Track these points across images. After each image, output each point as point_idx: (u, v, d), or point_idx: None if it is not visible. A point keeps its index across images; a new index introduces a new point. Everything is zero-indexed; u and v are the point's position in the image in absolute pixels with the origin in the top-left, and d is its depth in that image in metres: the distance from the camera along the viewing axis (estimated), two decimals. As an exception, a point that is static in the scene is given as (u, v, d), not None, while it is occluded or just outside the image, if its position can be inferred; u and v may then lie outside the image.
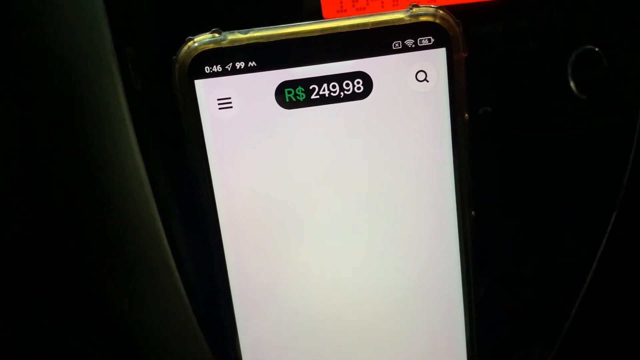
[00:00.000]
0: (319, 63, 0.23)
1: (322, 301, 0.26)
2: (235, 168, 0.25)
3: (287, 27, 0.23)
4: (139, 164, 0.27)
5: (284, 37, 0.23)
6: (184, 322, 0.29)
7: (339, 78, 0.24)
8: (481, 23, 0.32)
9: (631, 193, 0.30)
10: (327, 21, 0.23)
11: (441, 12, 0.24)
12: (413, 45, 0.24)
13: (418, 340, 0.27)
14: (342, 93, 0.24)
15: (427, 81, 0.24)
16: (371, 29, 0.23)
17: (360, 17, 0.23)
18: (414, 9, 0.23)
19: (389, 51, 0.23)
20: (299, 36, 0.23)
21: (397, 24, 0.23)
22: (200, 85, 0.23)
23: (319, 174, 0.25)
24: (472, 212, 0.26)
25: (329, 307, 0.27)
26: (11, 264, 0.29)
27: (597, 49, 0.32)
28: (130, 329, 0.30)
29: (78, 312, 0.31)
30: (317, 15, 0.30)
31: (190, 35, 0.23)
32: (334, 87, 0.24)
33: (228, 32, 0.23)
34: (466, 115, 0.24)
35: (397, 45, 0.23)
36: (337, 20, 0.23)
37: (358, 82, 0.24)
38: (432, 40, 0.24)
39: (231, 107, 0.24)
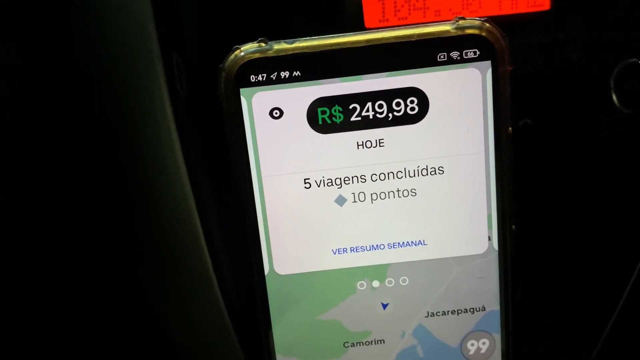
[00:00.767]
0: (365, 73, 0.23)
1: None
2: (277, 175, 0.25)
3: (333, 37, 0.23)
4: (181, 169, 0.27)
5: (329, 48, 0.23)
6: (216, 318, 0.29)
7: (388, 95, 0.24)
8: (523, 35, 0.31)
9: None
10: (372, 32, 0.23)
11: (487, 25, 0.23)
12: (458, 58, 0.23)
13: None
14: (390, 114, 0.24)
15: (474, 96, 0.24)
16: (417, 41, 0.23)
17: (405, 28, 0.23)
18: (460, 22, 0.23)
19: (434, 63, 0.23)
20: (345, 46, 0.23)
21: (443, 36, 0.23)
22: (245, 93, 0.24)
23: (360, 189, 0.25)
24: (513, 227, 0.25)
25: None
26: (57, 263, 0.30)
27: (641, 62, 0.31)
28: (164, 322, 0.31)
29: (118, 309, 0.32)
30: (360, 25, 0.30)
31: (236, 44, 0.23)
32: (380, 106, 0.24)
33: (274, 41, 0.23)
34: (510, 128, 0.24)
35: (442, 57, 0.23)
36: (383, 31, 0.23)
37: (412, 102, 0.24)
38: (478, 53, 0.23)
39: (275, 116, 0.24)
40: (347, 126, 0.24)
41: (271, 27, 0.30)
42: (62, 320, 0.31)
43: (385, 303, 0.27)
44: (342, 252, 0.26)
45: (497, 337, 0.27)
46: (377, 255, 0.26)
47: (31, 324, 0.30)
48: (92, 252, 0.31)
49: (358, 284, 0.26)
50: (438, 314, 0.27)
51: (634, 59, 0.32)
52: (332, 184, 0.25)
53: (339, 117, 0.24)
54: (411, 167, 0.25)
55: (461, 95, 0.24)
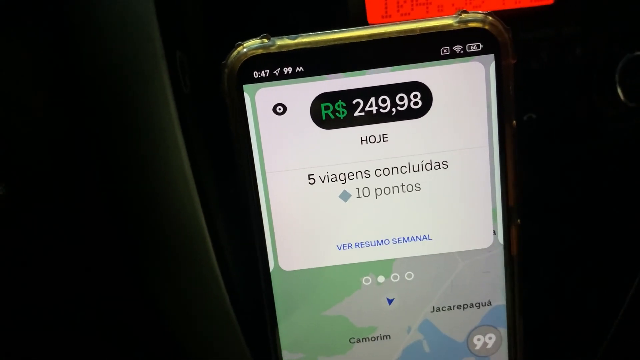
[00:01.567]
0: (368, 68, 0.23)
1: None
2: (281, 171, 0.25)
3: (336, 32, 0.23)
4: (185, 166, 0.27)
5: (332, 43, 0.23)
6: (222, 315, 0.29)
7: (392, 90, 0.24)
8: (527, 29, 0.31)
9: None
10: (375, 27, 0.23)
11: (490, 18, 0.23)
12: (461, 52, 0.23)
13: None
14: (394, 109, 0.24)
15: (478, 90, 0.24)
16: (420, 35, 0.23)
17: (408, 23, 0.23)
18: (463, 15, 0.23)
19: (438, 57, 0.23)
20: (348, 42, 0.23)
21: (446, 30, 0.23)
22: (249, 90, 0.24)
23: (364, 184, 0.25)
24: (518, 221, 0.25)
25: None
26: (63, 262, 0.30)
27: (646, 56, 0.31)
28: (170, 319, 0.31)
29: (123, 307, 0.32)
30: (362, 21, 0.30)
31: (239, 41, 0.23)
32: (384, 101, 0.24)
33: (277, 37, 0.23)
34: (514, 122, 0.24)
35: (445, 51, 0.23)
36: (386, 26, 0.23)
37: (415, 96, 0.24)
38: (481, 46, 0.23)
39: (279, 112, 0.24)
40: (351, 121, 0.24)
41: (274, 23, 0.30)
42: (69, 319, 0.32)
43: (390, 298, 0.27)
44: (347, 247, 0.26)
45: (504, 331, 0.27)
46: (382, 250, 0.26)
47: (37, 323, 0.31)
48: (97, 250, 0.31)
49: (363, 280, 0.26)
50: (444, 308, 0.27)
51: (639, 53, 0.31)
52: (336, 180, 0.25)
53: (343, 113, 0.24)
54: (415, 162, 0.25)
55: (465, 89, 0.24)
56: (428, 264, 0.26)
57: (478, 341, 0.27)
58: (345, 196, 0.25)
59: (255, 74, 0.23)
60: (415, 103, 0.24)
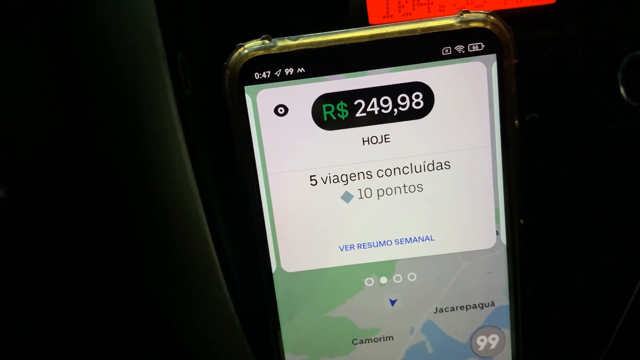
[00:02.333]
0: (369, 69, 0.23)
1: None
2: (283, 173, 0.25)
3: (337, 33, 0.23)
4: (187, 168, 0.27)
5: (333, 43, 0.23)
6: (225, 317, 0.29)
7: (393, 90, 0.24)
8: (529, 29, 0.31)
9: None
10: (376, 27, 0.23)
11: (492, 17, 0.23)
12: (463, 52, 0.23)
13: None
14: (396, 110, 0.24)
15: (480, 90, 0.24)
16: (421, 35, 0.23)
17: (409, 23, 0.23)
18: (465, 15, 0.23)
19: (439, 58, 0.23)
20: (349, 42, 0.23)
21: (447, 30, 0.23)
22: (250, 91, 0.24)
23: (366, 185, 0.25)
24: (521, 221, 0.25)
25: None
26: (64, 262, 0.30)
27: (649, 55, 0.31)
28: (172, 321, 0.31)
29: (125, 309, 0.32)
30: (364, 21, 0.30)
31: (240, 42, 0.23)
32: (385, 102, 0.24)
33: (278, 38, 0.23)
34: (516, 122, 0.24)
35: (446, 51, 0.23)
36: (387, 26, 0.23)
37: (417, 96, 0.24)
38: (483, 46, 0.23)
39: (280, 113, 0.24)
40: (353, 122, 0.24)
41: (275, 24, 0.30)
42: (70, 320, 0.32)
43: (393, 299, 0.27)
44: (349, 248, 0.26)
45: (507, 332, 0.27)
46: (384, 251, 0.26)
47: (39, 325, 0.31)
48: (99, 252, 0.31)
49: (366, 281, 0.26)
50: (447, 309, 0.27)
51: (642, 52, 0.31)
52: (338, 181, 0.25)
53: (344, 113, 0.24)
54: (417, 163, 0.25)
55: (467, 89, 0.24)
56: (431, 264, 0.26)
57: (481, 342, 0.27)
58: (347, 197, 0.25)
59: (257, 75, 0.23)
60: (417, 103, 0.24)
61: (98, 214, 0.30)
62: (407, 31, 0.23)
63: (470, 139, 0.24)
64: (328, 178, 0.25)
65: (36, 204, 0.29)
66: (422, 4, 0.30)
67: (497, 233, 0.26)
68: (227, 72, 0.23)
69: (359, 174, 0.25)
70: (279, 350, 0.27)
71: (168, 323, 0.31)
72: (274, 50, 0.23)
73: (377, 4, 0.30)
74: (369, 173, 0.25)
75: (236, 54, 0.23)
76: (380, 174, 0.25)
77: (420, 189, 0.25)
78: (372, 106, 0.24)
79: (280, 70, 0.23)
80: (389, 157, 0.25)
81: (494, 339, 0.27)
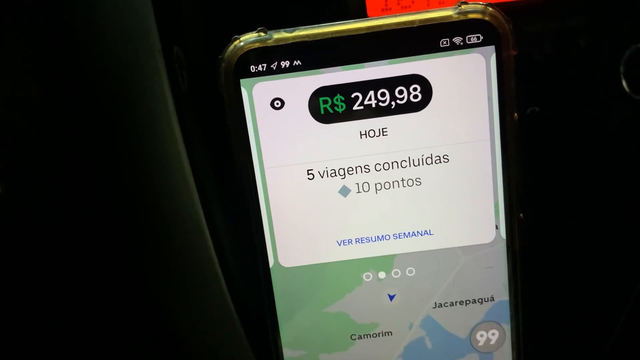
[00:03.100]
0: (366, 61, 0.23)
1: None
2: (280, 167, 0.25)
3: (333, 25, 0.23)
4: (184, 162, 0.27)
5: (330, 36, 0.23)
6: (222, 313, 0.29)
7: (391, 83, 0.23)
8: (530, 20, 0.31)
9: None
10: (373, 19, 0.23)
11: (490, 9, 0.23)
12: (461, 44, 0.23)
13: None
14: (393, 103, 0.24)
15: (478, 82, 0.23)
16: (419, 27, 0.23)
17: (407, 14, 0.23)
18: (463, 6, 0.23)
19: (437, 50, 0.23)
20: (345, 34, 0.23)
21: (445, 21, 0.23)
22: (246, 84, 0.23)
23: (364, 179, 0.25)
24: (521, 215, 0.25)
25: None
26: (62, 260, 0.30)
27: (652, 47, 0.31)
28: (170, 317, 0.31)
29: (123, 305, 0.32)
30: (362, 14, 0.30)
31: (236, 35, 0.23)
32: (383, 95, 0.24)
33: (274, 31, 0.23)
34: (515, 115, 0.24)
35: (444, 43, 0.23)
36: (384, 18, 0.23)
37: (415, 89, 0.24)
38: (481, 38, 0.23)
39: (277, 107, 0.24)
40: (350, 115, 0.24)
41: (272, 17, 0.29)
42: (68, 318, 0.31)
43: (392, 294, 0.26)
44: (347, 243, 0.26)
45: (507, 327, 0.27)
46: (382, 246, 0.26)
47: (38, 324, 0.31)
48: (96, 248, 0.31)
49: (364, 276, 0.26)
50: (446, 304, 0.26)
51: (644, 44, 0.31)
52: (335, 175, 0.25)
53: (341, 107, 0.24)
54: (415, 156, 0.24)
55: (465, 81, 0.23)
56: (429, 259, 0.26)
57: (481, 337, 0.27)
58: (344, 191, 0.25)
59: (253, 68, 0.23)
60: (415, 96, 0.24)
61: (94, 211, 0.30)
62: (404, 23, 0.23)
63: (469, 132, 0.24)
64: (325, 172, 0.25)
65: (33, 201, 0.29)
66: (421, -4, 0.30)
67: (497, 227, 0.25)
68: (223, 65, 0.23)
69: (356, 167, 0.25)
70: (277, 346, 0.27)
71: (166, 319, 0.30)
72: (269, 43, 0.23)
73: (375, -3, 0.30)
74: (366, 167, 0.25)
75: (232, 46, 0.23)
76: (378, 167, 0.25)
77: (419, 183, 0.25)
78: (370, 99, 0.24)
79: (276, 63, 0.23)
80: (387, 151, 0.24)
81: (493, 334, 0.27)
